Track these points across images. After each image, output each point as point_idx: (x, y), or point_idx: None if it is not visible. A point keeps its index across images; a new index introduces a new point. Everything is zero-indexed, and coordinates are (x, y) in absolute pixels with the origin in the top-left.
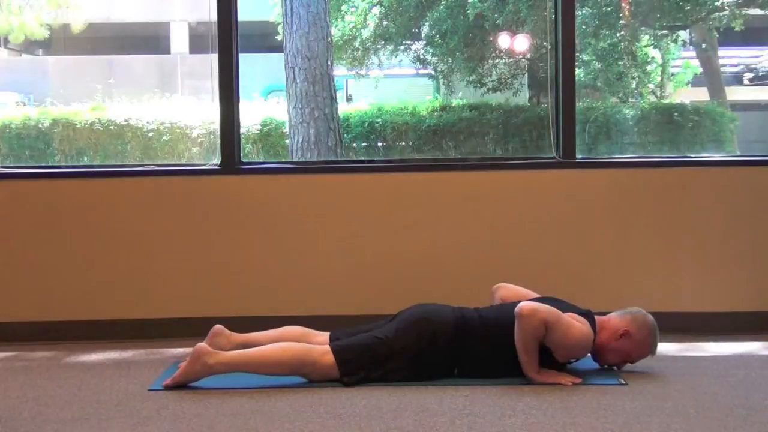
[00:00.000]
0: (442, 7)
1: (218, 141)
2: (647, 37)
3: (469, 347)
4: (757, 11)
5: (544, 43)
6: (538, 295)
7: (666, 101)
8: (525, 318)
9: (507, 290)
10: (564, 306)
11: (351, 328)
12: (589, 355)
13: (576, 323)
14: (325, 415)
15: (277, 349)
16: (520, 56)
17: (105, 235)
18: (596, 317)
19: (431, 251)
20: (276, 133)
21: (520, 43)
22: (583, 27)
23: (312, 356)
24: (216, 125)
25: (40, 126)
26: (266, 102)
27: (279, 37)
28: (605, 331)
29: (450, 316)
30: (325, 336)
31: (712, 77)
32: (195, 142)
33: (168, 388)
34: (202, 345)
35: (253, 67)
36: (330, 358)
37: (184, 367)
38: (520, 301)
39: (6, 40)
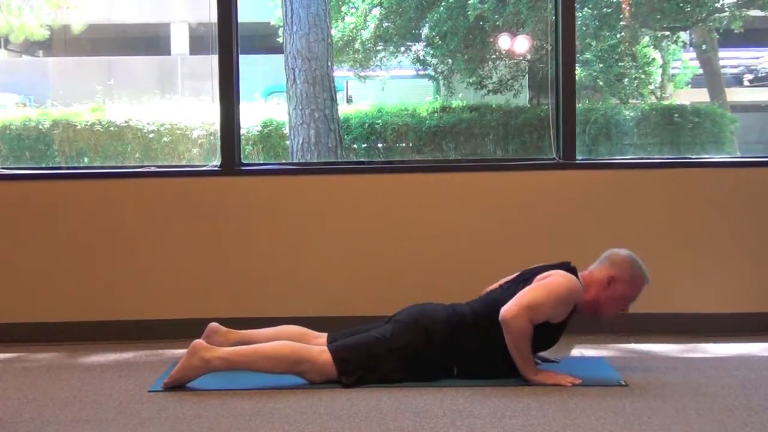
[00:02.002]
0: (442, 8)
1: (218, 142)
2: (647, 38)
3: (465, 342)
4: (758, 12)
5: (545, 45)
6: (513, 276)
7: (666, 102)
8: (510, 323)
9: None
10: (535, 271)
11: (348, 330)
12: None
13: (552, 283)
14: (326, 416)
15: (275, 345)
16: (521, 57)
17: (105, 237)
18: (579, 274)
19: (431, 252)
20: (276, 134)
21: (521, 45)
22: (584, 28)
23: (310, 354)
24: (216, 126)
25: (40, 127)
26: (266, 103)
27: (279, 39)
28: (592, 286)
29: (443, 313)
30: (322, 337)
31: (712, 78)
32: (195, 143)
33: (167, 387)
34: (199, 341)
35: (253, 68)
36: (327, 356)
37: (180, 363)
38: (503, 286)
39: (6, 41)
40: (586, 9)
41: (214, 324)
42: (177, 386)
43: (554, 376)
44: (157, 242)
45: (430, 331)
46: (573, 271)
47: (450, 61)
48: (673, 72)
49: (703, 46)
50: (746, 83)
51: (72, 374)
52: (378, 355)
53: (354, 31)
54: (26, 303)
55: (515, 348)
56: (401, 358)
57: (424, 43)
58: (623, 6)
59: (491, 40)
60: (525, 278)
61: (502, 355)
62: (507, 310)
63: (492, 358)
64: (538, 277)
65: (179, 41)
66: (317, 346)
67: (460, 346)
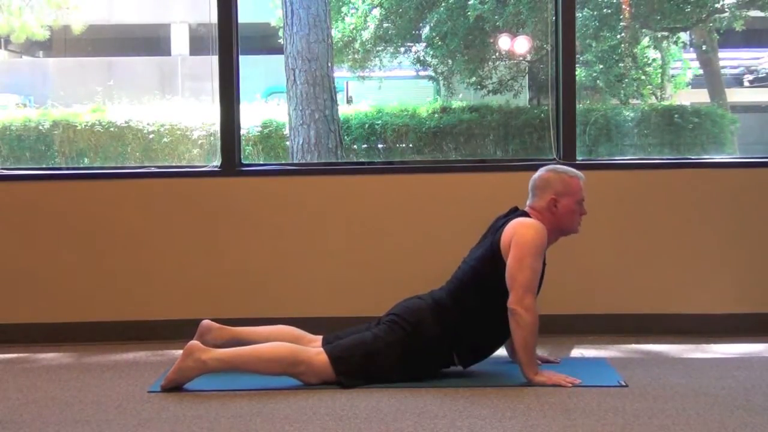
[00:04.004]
0: (442, 8)
1: (219, 143)
2: (648, 38)
3: (453, 325)
4: (758, 13)
5: (545, 45)
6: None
7: (666, 103)
8: (524, 315)
9: None
10: (494, 231)
11: (343, 331)
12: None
13: (523, 243)
14: (326, 417)
15: (273, 346)
16: (521, 58)
17: (105, 237)
18: (526, 210)
19: (431, 253)
20: (276, 135)
21: (521, 45)
22: (584, 29)
23: (307, 355)
24: (216, 127)
25: (40, 128)
26: (266, 104)
27: (279, 39)
28: (544, 217)
29: (425, 303)
30: (318, 340)
31: (712, 79)
32: (195, 143)
33: (164, 389)
34: (194, 342)
35: (253, 68)
36: (324, 357)
37: (176, 364)
38: (465, 259)
39: (7, 42)
40: (586, 9)
41: (206, 322)
42: (174, 387)
43: (554, 376)
44: (157, 243)
45: (417, 324)
46: (525, 214)
47: (450, 61)
48: (673, 73)
49: (704, 47)
50: (746, 84)
51: (72, 375)
52: (374, 353)
53: (354, 31)
54: (26, 303)
55: (523, 343)
56: (397, 355)
57: (424, 44)
58: (623, 7)
59: (491, 40)
60: (486, 239)
61: (490, 324)
62: (515, 301)
63: (482, 330)
64: (503, 238)
65: (179, 42)
66: (313, 348)
67: (450, 330)
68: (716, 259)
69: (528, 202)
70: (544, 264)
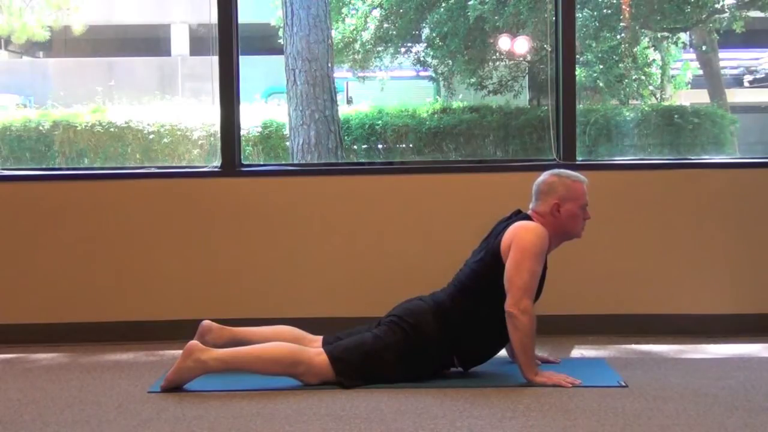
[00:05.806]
0: (442, 9)
1: (219, 143)
2: (647, 39)
3: (454, 328)
4: (758, 13)
5: (545, 45)
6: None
7: (666, 103)
8: (521, 318)
9: None
10: (496, 234)
11: (343, 332)
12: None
13: (523, 246)
14: (326, 417)
15: (272, 346)
16: (521, 58)
17: (105, 238)
18: (528, 214)
19: (431, 253)
20: (276, 135)
21: (521, 45)
22: (584, 29)
23: (307, 356)
24: (216, 127)
25: (40, 128)
26: (266, 104)
27: (279, 40)
28: (546, 221)
29: (426, 305)
30: (318, 340)
31: (712, 79)
32: (195, 144)
33: (164, 389)
34: (194, 342)
35: (253, 69)
36: (323, 358)
37: (176, 364)
38: (467, 261)
39: (7, 42)
40: (586, 10)
41: (206, 322)
42: (174, 387)
43: (554, 377)
44: (158, 243)
45: (418, 325)
46: (527, 217)
47: (450, 62)
48: (673, 73)
49: (703, 47)
50: (746, 84)
51: (72, 375)
52: (374, 354)
53: (354, 32)
54: (26, 303)
55: (521, 344)
56: (397, 356)
57: (425, 44)
58: (623, 7)
59: (491, 41)
60: (487, 241)
61: (491, 327)
62: (512, 304)
63: (483, 333)
64: (504, 241)
65: (179, 42)
66: (313, 348)
67: (451, 333)
68: (716, 259)
69: (531, 206)
70: (545, 268)
